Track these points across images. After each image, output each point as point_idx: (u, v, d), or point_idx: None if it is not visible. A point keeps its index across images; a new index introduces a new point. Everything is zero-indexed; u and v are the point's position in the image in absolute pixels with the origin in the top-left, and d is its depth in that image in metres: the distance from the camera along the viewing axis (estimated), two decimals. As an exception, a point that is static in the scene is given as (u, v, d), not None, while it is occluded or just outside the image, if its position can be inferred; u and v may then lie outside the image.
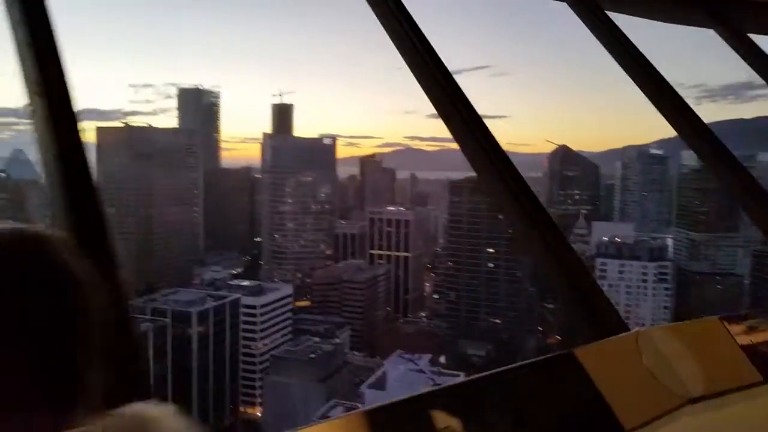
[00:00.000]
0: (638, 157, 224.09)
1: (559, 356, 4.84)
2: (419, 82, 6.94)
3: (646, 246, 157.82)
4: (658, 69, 8.90)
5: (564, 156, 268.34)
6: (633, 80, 8.95)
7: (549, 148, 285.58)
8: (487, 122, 6.64)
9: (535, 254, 6.22)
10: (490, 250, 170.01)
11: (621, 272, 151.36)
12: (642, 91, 8.86)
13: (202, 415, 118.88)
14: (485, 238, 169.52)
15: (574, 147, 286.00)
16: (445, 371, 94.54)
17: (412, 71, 7.00)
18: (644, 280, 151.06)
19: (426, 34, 7.10)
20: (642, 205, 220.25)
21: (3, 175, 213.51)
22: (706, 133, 8.52)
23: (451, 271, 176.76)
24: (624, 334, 5.22)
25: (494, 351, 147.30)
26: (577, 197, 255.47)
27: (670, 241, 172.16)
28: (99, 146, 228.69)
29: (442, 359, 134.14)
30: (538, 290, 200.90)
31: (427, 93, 6.82)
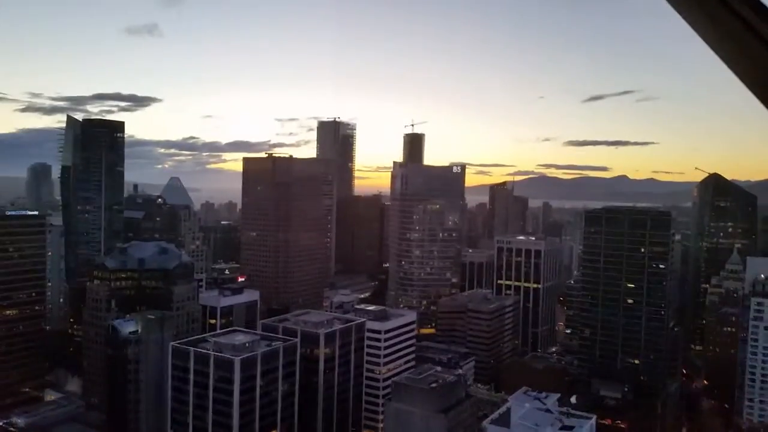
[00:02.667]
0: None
1: None
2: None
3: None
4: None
5: (716, 185, 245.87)
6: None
7: (699, 177, 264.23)
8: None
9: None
10: (631, 285, 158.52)
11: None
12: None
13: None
14: (625, 272, 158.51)
15: (728, 176, 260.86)
16: (575, 412, 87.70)
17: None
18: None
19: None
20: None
21: (160, 200, 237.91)
22: None
23: (586, 306, 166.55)
24: None
25: (632, 393, 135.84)
26: (731, 230, 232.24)
27: None
28: (245, 174, 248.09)
29: (573, 399, 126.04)
30: (684, 330, 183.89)
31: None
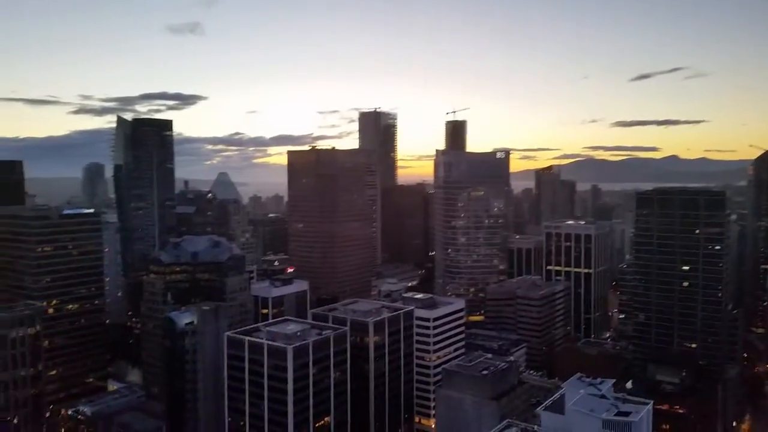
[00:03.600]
0: None
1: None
2: None
3: None
4: None
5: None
6: None
7: (754, 154, 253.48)
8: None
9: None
10: (685, 267, 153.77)
11: None
12: None
13: (379, 421, 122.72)
14: (679, 254, 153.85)
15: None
16: (631, 398, 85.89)
17: None
18: None
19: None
20: None
21: (210, 195, 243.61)
22: None
23: (640, 290, 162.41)
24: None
25: (690, 378, 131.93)
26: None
27: None
28: (290, 167, 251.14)
29: (629, 385, 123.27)
30: (743, 312, 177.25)
31: None
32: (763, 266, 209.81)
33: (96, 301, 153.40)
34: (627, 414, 69.12)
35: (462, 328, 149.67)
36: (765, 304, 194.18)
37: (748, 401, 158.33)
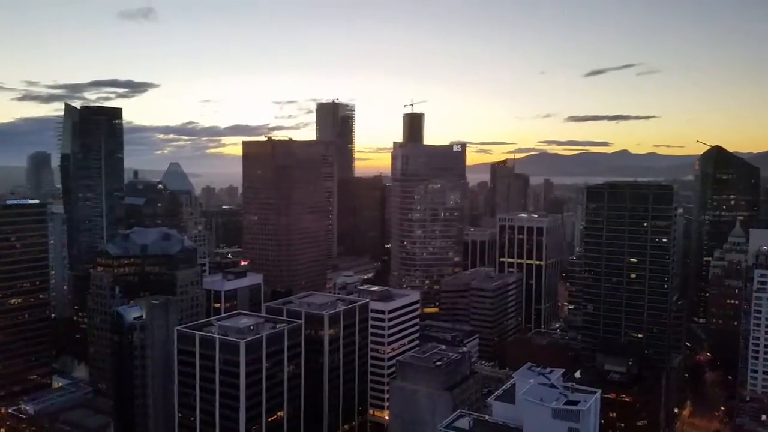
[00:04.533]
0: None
1: None
2: None
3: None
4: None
5: (718, 157, 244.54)
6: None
7: (701, 150, 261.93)
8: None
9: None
10: (633, 259, 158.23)
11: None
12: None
13: (332, 414, 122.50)
14: (628, 246, 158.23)
15: (730, 148, 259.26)
16: (580, 387, 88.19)
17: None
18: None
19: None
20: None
21: (161, 186, 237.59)
22: None
23: (589, 281, 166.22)
24: None
25: (636, 367, 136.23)
26: (733, 202, 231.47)
27: None
28: (245, 158, 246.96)
29: (577, 374, 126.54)
30: (687, 303, 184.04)
31: None
32: (706, 258, 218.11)
33: (41, 295, 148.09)
34: (576, 403, 70.52)
35: (417, 320, 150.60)
36: (707, 295, 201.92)
37: (689, 388, 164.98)
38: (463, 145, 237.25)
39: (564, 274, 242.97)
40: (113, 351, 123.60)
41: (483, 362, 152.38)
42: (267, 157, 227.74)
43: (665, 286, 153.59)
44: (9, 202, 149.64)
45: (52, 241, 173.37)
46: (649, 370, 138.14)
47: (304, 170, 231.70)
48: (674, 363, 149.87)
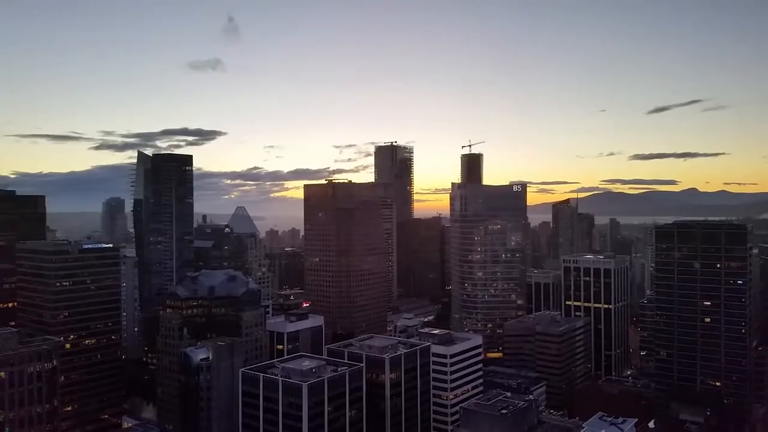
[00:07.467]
0: None
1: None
2: None
3: None
4: None
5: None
6: None
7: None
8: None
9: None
10: (707, 302, 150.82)
11: None
12: None
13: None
14: (701, 289, 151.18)
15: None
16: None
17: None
18: None
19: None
20: None
21: (228, 230, 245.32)
22: None
23: (661, 326, 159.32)
24: None
25: (715, 418, 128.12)
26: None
27: None
28: (307, 201, 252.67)
29: (651, 424, 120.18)
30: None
31: None
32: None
33: (113, 336, 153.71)
34: (651, 457, 67.00)
35: (480, 365, 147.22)
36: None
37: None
38: (524, 185, 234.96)
39: (634, 319, 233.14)
40: (180, 392, 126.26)
41: (551, 411, 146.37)
42: (327, 200, 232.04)
43: (743, 330, 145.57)
44: (85, 246, 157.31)
45: (124, 284, 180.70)
46: (729, 422, 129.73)
47: (364, 212, 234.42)
48: (758, 414, 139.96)
